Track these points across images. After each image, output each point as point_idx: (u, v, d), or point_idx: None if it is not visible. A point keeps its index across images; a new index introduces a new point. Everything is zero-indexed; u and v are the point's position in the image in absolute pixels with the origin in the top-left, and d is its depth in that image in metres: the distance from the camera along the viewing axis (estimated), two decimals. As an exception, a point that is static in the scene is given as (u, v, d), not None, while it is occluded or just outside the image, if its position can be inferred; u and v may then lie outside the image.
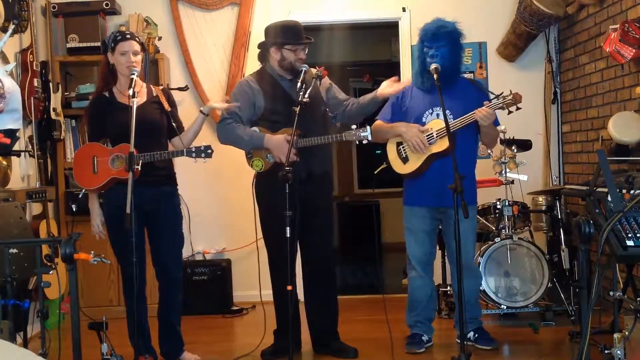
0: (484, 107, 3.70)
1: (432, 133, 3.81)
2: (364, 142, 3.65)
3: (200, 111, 3.78)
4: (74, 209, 4.86)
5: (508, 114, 3.76)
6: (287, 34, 3.82)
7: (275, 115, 3.80)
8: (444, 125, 3.75)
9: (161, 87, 3.92)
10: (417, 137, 3.80)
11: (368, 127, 3.64)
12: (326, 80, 3.98)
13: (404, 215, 4.01)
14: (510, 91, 3.70)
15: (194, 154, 3.57)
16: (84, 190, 3.79)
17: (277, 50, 3.82)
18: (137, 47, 3.64)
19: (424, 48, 3.85)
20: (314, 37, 3.98)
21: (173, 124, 3.74)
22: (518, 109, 3.73)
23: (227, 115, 3.81)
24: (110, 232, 3.73)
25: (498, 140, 4.14)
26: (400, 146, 3.93)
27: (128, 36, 3.64)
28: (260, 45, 3.92)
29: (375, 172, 4.00)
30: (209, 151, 3.58)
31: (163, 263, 3.76)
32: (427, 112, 3.89)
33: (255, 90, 3.84)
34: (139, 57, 3.65)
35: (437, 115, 3.85)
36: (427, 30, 3.85)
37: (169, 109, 3.73)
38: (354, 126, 3.65)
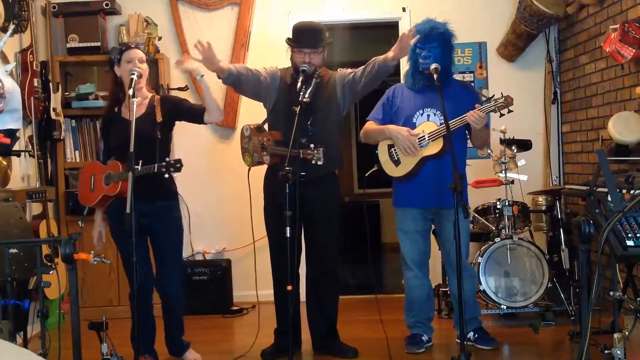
0: (475, 110, 3.69)
1: (423, 136, 3.80)
2: (319, 162, 3.55)
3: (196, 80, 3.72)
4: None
5: (500, 116, 3.76)
6: (295, 35, 3.86)
7: (282, 112, 3.81)
8: (436, 127, 3.77)
9: (160, 96, 3.86)
10: (408, 140, 3.80)
11: (321, 150, 3.54)
12: (340, 74, 3.91)
13: (397, 217, 4.01)
14: (502, 94, 3.69)
15: (164, 169, 3.45)
16: (87, 208, 3.88)
17: (289, 51, 3.88)
18: (142, 54, 3.68)
19: (417, 49, 3.84)
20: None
21: (194, 107, 3.76)
22: (510, 111, 3.72)
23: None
24: (116, 242, 3.78)
25: (494, 137, 4.12)
26: (392, 149, 3.92)
27: (132, 45, 3.71)
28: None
29: (367, 175, 3.98)
30: (178, 165, 3.45)
31: (160, 280, 3.76)
32: (417, 113, 3.88)
33: (276, 78, 3.88)
34: (145, 66, 3.68)
35: (428, 116, 3.85)
36: (420, 31, 3.83)
37: (160, 120, 3.66)
38: (312, 145, 3.58)
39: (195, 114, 3.77)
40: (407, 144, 3.80)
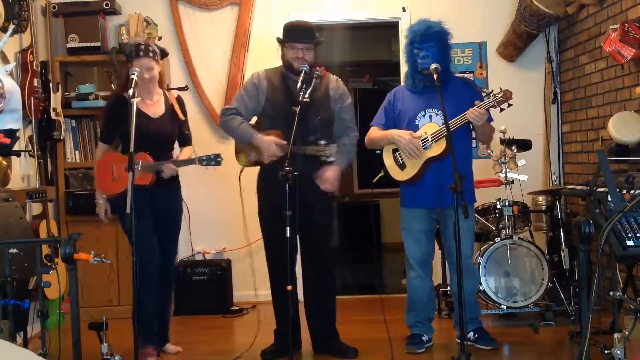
0: (475, 107, 3.69)
1: (426, 137, 3.80)
2: (329, 159, 3.65)
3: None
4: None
5: (500, 111, 3.76)
6: (287, 32, 3.86)
7: (275, 113, 3.82)
8: (438, 128, 3.76)
9: (176, 96, 4.09)
10: (411, 143, 3.79)
11: (334, 147, 3.63)
12: (339, 90, 3.92)
13: (401, 216, 4.00)
14: (501, 88, 3.70)
15: (205, 162, 3.81)
16: (104, 196, 4.01)
17: (280, 48, 3.88)
18: (152, 63, 3.82)
19: (414, 49, 3.84)
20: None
21: (186, 132, 4.05)
22: (510, 105, 3.72)
23: (230, 105, 3.96)
24: (124, 224, 3.84)
25: (494, 137, 4.11)
26: (397, 153, 3.91)
27: (142, 54, 3.80)
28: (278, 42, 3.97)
29: (374, 180, 3.99)
30: (219, 159, 3.81)
31: (164, 255, 3.95)
32: (419, 115, 3.88)
33: (261, 84, 3.89)
34: (154, 72, 3.85)
35: (430, 117, 3.85)
36: (416, 31, 3.84)
37: (183, 119, 4.01)
38: (322, 142, 3.64)
39: (188, 135, 4.08)
40: (410, 147, 3.79)
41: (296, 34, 3.82)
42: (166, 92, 4.07)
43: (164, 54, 3.98)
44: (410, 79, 3.93)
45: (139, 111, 3.70)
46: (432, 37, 3.79)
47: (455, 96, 3.79)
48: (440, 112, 3.75)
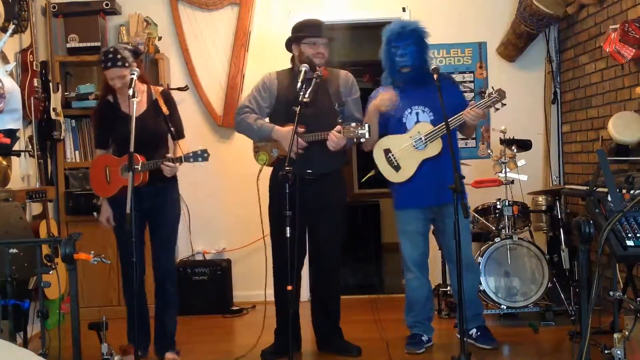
0: (473, 108, 3.70)
1: (420, 137, 3.80)
2: (362, 140, 3.64)
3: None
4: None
5: (495, 111, 3.78)
6: (306, 28, 3.87)
7: (284, 112, 3.80)
8: (432, 128, 3.78)
9: (161, 90, 3.97)
10: (387, 100, 3.80)
11: (367, 126, 3.63)
12: (348, 83, 3.94)
13: (398, 219, 4.00)
14: (493, 88, 3.72)
15: (191, 159, 3.66)
16: (101, 198, 3.99)
17: (297, 47, 3.87)
18: (123, 72, 3.68)
19: (391, 48, 3.84)
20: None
21: (172, 128, 3.84)
22: (503, 105, 3.74)
23: (245, 103, 3.91)
24: (115, 230, 3.90)
25: (493, 136, 4.12)
26: (390, 154, 3.90)
27: (110, 64, 3.69)
28: (286, 45, 3.95)
29: (363, 180, 4.00)
30: (205, 155, 3.66)
31: (157, 256, 3.90)
32: (406, 113, 3.88)
33: (272, 84, 3.90)
34: (126, 79, 3.69)
35: (417, 114, 3.86)
36: (392, 30, 3.86)
37: (167, 113, 3.82)
38: (353, 123, 3.65)
39: (175, 130, 3.88)
40: (388, 102, 3.80)
41: (315, 29, 3.83)
42: (151, 87, 3.93)
43: (136, 54, 3.84)
44: (390, 77, 3.92)
45: (121, 113, 3.69)
46: (408, 35, 3.80)
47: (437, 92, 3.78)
48: (426, 108, 3.82)
